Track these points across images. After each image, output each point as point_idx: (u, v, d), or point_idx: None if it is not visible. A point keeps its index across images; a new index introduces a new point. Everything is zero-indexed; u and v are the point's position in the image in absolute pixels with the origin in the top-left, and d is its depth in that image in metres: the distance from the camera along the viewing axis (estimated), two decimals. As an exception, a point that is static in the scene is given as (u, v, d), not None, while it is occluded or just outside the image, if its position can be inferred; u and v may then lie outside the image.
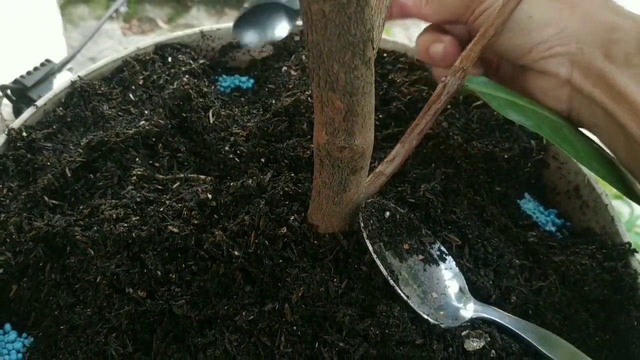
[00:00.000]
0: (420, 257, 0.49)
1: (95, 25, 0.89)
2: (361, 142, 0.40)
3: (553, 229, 0.63)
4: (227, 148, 0.55)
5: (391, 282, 0.46)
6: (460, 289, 0.49)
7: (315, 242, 0.48)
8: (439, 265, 0.49)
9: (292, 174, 0.52)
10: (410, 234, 0.49)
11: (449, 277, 0.49)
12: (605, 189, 0.63)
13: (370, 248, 0.46)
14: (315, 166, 0.44)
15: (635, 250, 0.57)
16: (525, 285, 0.52)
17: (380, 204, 0.48)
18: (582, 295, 0.54)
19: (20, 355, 0.49)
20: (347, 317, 0.45)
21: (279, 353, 0.45)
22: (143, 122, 0.58)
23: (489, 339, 0.46)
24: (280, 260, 0.47)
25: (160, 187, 0.55)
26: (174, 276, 0.48)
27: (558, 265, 0.55)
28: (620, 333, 0.53)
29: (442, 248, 0.50)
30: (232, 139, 0.56)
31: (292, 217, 0.48)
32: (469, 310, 0.47)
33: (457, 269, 0.50)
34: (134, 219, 0.50)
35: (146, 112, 0.61)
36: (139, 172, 0.55)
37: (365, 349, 0.44)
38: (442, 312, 0.47)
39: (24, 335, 0.51)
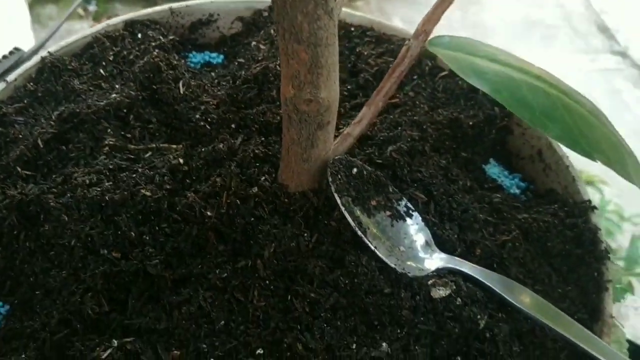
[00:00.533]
0: (388, 213, 0.51)
1: (63, 22, 0.89)
2: (326, 95, 0.42)
3: (517, 191, 0.65)
4: (197, 116, 0.56)
5: (359, 232, 0.47)
6: (427, 242, 0.50)
7: (286, 200, 0.49)
8: (405, 220, 0.51)
9: (263, 138, 0.53)
10: (378, 191, 0.51)
11: (416, 231, 0.51)
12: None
13: (339, 201, 0.47)
14: (283, 123, 0.45)
15: (595, 207, 0.60)
16: (489, 239, 0.54)
17: (347, 161, 0.50)
18: (545, 250, 0.57)
19: (-4, 323, 0.50)
20: (318, 269, 0.46)
21: (252, 307, 0.46)
22: (114, 94, 0.59)
23: (454, 287, 0.48)
24: (252, 219, 0.48)
25: (132, 156, 0.56)
26: (147, 238, 0.49)
27: (521, 222, 0.57)
28: (581, 284, 0.56)
29: (409, 204, 0.52)
30: (202, 107, 0.57)
31: (262, 178, 0.50)
32: (435, 260, 0.49)
33: (423, 224, 0.51)
34: (106, 184, 0.50)
35: (117, 86, 0.62)
36: (110, 143, 0.55)
37: (335, 298, 0.46)
38: (409, 262, 0.48)
39: (0, 303, 0.51)
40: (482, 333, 0.48)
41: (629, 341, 0.70)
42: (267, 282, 0.47)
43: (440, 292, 0.48)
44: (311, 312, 0.46)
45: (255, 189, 0.49)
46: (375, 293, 0.47)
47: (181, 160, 0.52)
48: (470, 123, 0.64)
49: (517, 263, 0.54)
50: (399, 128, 0.59)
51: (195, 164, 0.52)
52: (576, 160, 0.60)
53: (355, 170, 0.50)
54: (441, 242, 0.52)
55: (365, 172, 0.50)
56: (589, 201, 0.60)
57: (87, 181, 0.51)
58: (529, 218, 0.58)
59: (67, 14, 0.92)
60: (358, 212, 0.49)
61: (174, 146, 0.57)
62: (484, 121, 0.65)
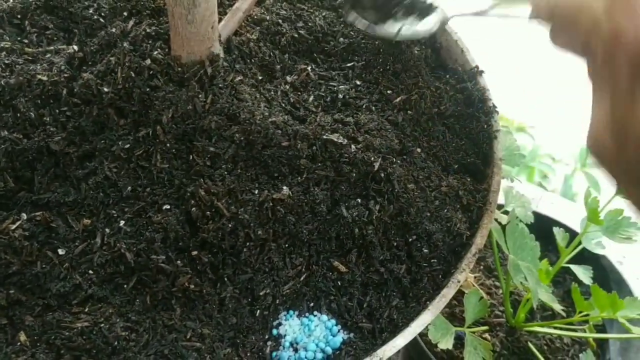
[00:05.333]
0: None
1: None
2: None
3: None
4: (91, 12, 0.58)
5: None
6: None
7: (179, 69, 0.51)
8: None
9: (154, 20, 0.55)
10: None
11: None
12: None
13: None
14: (164, -16, 0.47)
15: (482, 71, 0.64)
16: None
17: None
18: (439, 113, 0.60)
19: None
20: (214, 124, 0.48)
21: (156, 170, 0.48)
22: (7, 2, 0.59)
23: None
24: (148, 89, 0.50)
25: (30, 58, 0.56)
26: (48, 119, 0.50)
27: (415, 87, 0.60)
28: (472, 137, 0.60)
29: None
30: (95, 4, 0.58)
31: (155, 52, 0.51)
32: None
33: None
34: (1, 72, 0.51)
35: (10, 0, 0.62)
36: (6, 46, 0.56)
37: (234, 150, 0.48)
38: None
39: None
40: (378, 174, 0.51)
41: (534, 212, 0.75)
42: (169, 145, 0.49)
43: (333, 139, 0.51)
44: (212, 165, 0.48)
45: (148, 62, 0.51)
46: (273, 147, 0.50)
47: (75, 47, 0.53)
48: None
49: (413, 123, 0.58)
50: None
51: (89, 49, 0.53)
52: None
53: None
54: None
55: None
56: (477, 66, 0.64)
57: (-20, 72, 0.51)
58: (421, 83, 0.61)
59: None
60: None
61: (74, 46, 0.57)
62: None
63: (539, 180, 1.58)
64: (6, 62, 0.53)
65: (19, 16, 0.59)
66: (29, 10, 0.59)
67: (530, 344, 0.73)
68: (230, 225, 0.46)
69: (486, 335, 0.73)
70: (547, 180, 1.62)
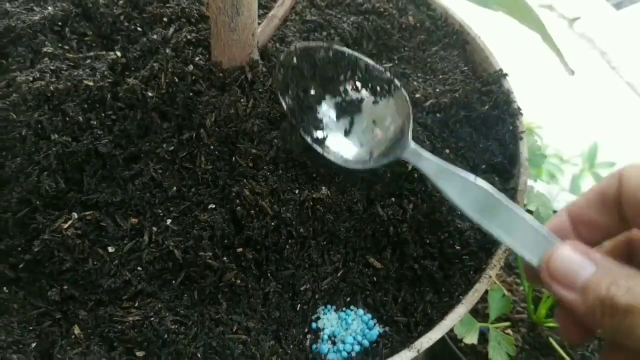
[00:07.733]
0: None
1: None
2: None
3: (438, 74, 0.71)
4: (126, 24, 0.60)
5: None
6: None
7: (221, 74, 0.53)
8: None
9: (193, 27, 0.57)
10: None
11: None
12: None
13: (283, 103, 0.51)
14: (208, -7, 0.49)
15: (506, 74, 0.66)
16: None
17: (304, 50, 0.52)
18: (466, 116, 0.62)
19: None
20: (256, 126, 0.50)
21: (201, 171, 0.50)
22: (48, 9, 0.61)
23: None
24: (191, 94, 0.52)
25: (72, 64, 0.58)
26: (95, 122, 0.52)
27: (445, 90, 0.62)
28: (499, 138, 0.62)
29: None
30: (134, 12, 0.60)
31: (197, 58, 0.54)
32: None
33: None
34: (49, 78, 0.53)
35: (49, 8, 0.64)
36: (49, 51, 0.58)
37: (275, 152, 0.50)
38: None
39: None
40: (411, 174, 0.53)
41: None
42: (212, 147, 0.51)
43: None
44: (255, 166, 0.50)
45: (191, 67, 0.53)
46: (311, 149, 0.52)
47: (119, 54, 0.56)
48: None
49: (441, 125, 0.60)
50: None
51: (132, 55, 0.55)
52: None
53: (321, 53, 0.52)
54: None
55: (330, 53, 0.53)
56: (501, 70, 0.66)
57: (31, 78, 0.53)
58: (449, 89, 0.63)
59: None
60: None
61: (112, 52, 0.60)
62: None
63: (547, 180, 1.59)
64: (52, 68, 0.55)
65: (59, 23, 0.61)
66: (69, 18, 0.61)
67: (551, 339, 0.75)
68: (273, 224, 0.48)
69: (508, 330, 0.75)
70: (556, 181, 1.63)
